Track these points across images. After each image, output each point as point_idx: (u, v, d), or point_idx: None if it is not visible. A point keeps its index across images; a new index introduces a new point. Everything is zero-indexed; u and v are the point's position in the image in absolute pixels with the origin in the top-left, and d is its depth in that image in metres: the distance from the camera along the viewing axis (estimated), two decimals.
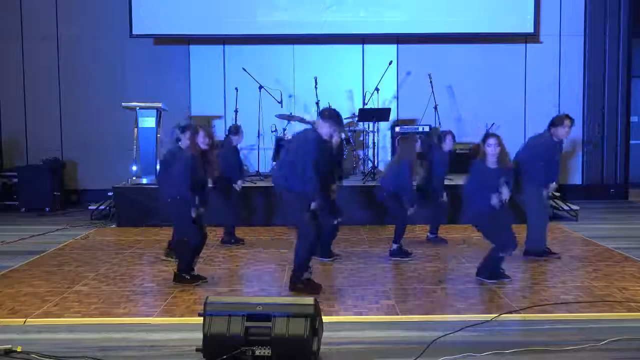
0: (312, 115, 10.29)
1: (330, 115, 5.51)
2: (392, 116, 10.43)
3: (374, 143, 9.87)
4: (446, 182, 7.66)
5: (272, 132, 10.07)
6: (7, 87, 11.02)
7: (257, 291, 5.62)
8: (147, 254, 7.08)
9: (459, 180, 8.87)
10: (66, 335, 4.44)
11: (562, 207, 9.31)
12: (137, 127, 9.26)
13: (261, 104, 10.18)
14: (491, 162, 5.63)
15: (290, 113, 10.21)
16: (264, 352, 3.70)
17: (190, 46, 10.96)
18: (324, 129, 5.44)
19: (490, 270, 5.74)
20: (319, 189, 5.42)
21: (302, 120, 9.83)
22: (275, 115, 10.03)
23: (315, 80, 10.10)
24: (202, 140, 5.62)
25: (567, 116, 6.52)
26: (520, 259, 6.51)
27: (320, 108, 9.95)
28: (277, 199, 5.83)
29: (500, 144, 5.63)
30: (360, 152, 10.37)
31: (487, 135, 5.76)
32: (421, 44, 10.85)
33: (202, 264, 6.39)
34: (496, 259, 5.72)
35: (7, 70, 10.98)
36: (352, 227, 8.17)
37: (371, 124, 10.00)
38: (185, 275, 5.72)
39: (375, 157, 9.91)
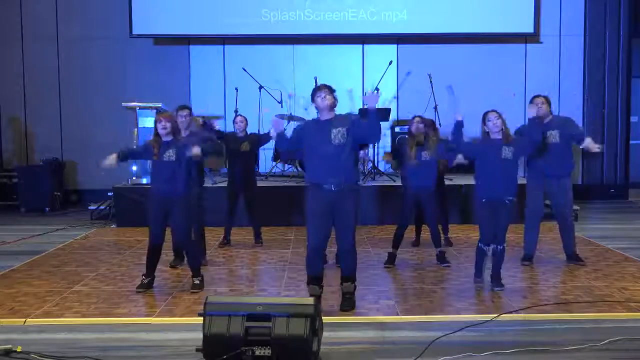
0: (312, 115, 10.28)
1: (311, 96, 5.13)
2: (392, 116, 10.43)
3: (374, 143, 9.86)
4: (447, 183, 7.66)
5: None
6: (7, 87, 11.03)
7: (257, 291, 5.62)
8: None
9: (459, 180, 8.91)
10: (66, 335, 4.44)
11: None
12: (137, 127, 9.26)
13: (261, 104, 10.18)
14: (494, 134, 5.49)
15: (290, 113, 10.20)
16: (264, 352, 3.69)
17: (190, 46, 10.97)
18: (317, 106, 5.05)
19: (494, 274, 5.58)
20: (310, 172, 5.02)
21: (302, 120, 9.79)
22: (275, 115, 9.98)
23: (315, 80, 10.05)
24: (160, 126, 5.51)
25: (537, 96, 6.35)
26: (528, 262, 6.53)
27: None
28: None
29: (500, 117, 5.48)
30: (361, 152, 10.34)
31: (486, 112, 5.58)
32: (421, 44, 10.86)
33: (202, 263, 6.39)
34: (477, 250, 5.62)
35: (7, 70, 10.99)
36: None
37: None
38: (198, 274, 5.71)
39: (376, 157, 9.90)
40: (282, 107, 10.26)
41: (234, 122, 7.46)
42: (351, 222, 4.93)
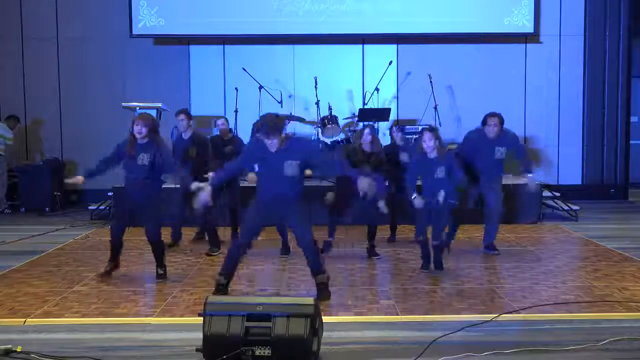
0: (312, 115, 10.31)
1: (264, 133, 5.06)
2: (392, 116, 10.42)
3: None
4: None
5: None
6: (7, 87, 11.02)
7: (257, 291, 5.62)
8: (147, 253, 7.07)
9: None
10: (66, 335, 4.44)
11: (562, 207, 9.30)
12: None
13: (261, 104, 10.18)
14: (430, 154, 5.94)
15: (290, 113, 10.21)
16: (264, 352, 3.69)
17: (190, 46, 10.96)
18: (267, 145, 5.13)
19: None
20: None
21: (301, 120, 9.82)
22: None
23: (315, 80, 10.09)
24: (136, 130, 5.69)
25: (491, 115, 6.63)
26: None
27: (320, 108, 10.00)
28: None
29: (436, 137, 5.89)
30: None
31: (423, 130, 6.04)
32: (421, 44, 10.84)
33: (202, 263, 6.40)
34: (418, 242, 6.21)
35: (7, 70, 10.99)
36: (352, 227, 8.16)
37: (371, 124, 9.99)
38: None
39: None
40: (282, 107, 10.25)
41: (179, 118, 7.32)
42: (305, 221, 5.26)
